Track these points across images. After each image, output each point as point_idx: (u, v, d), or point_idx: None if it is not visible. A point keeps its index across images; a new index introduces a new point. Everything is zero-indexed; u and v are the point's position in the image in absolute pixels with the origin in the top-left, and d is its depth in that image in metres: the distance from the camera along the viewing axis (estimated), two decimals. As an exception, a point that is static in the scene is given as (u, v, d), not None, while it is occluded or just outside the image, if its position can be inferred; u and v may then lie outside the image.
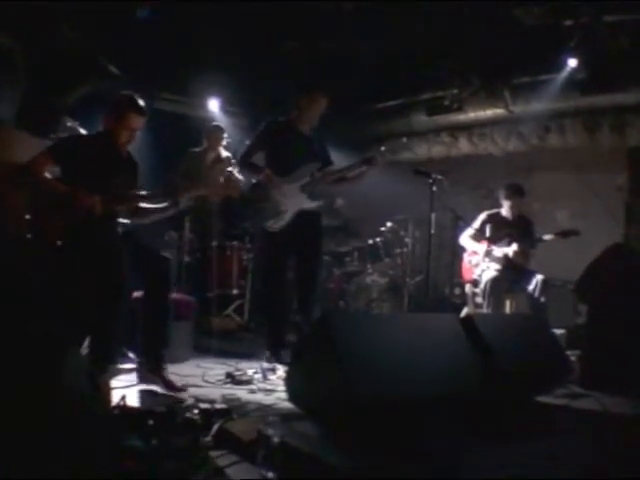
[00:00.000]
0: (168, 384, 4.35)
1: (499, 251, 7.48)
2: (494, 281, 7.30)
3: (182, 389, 4.29)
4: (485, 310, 7.26)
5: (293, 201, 5.77)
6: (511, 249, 7.31)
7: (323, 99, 5.93)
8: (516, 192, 7.68)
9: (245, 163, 6.01)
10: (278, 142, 5.90)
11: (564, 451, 3.08)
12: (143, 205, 4.76)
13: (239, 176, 7.13)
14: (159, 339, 4.54)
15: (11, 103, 7.62)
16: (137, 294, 4.88)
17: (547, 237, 7.32)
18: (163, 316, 4.56)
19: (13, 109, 7.63)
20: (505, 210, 7.70)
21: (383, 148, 5.84)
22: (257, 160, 6.01)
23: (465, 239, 7.89)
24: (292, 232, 5.77)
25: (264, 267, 6.14)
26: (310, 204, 5.85)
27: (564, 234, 7.20)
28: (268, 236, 5.85)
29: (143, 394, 4.08)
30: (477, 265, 7.68)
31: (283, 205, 5.74)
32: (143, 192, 4.67)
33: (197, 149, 8.54)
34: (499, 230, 7.65)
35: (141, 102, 4.64)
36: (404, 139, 6.15)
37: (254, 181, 5.95)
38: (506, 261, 7.48)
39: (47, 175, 4.41)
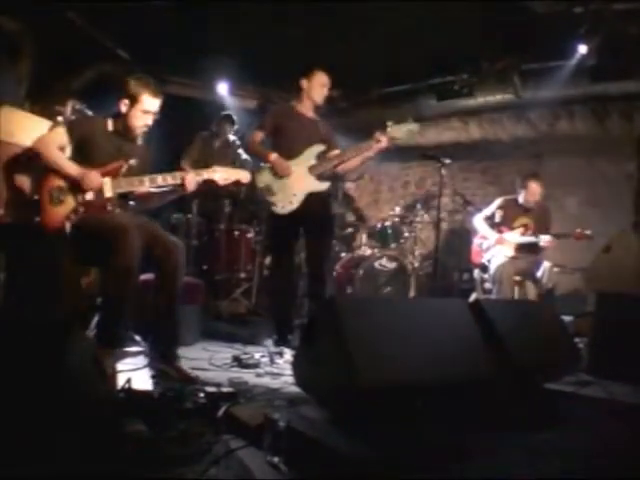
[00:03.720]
0: (180, 373, 4.31)
1: (523, 239, 7.49)
2: (503, 267, 7.31)
3: (195, 379, 4.23)
4: (494, 296, 7.27)
5: (302, 184, 5.78)
6: (542, 239, 7.31)
7: (322, 75, 5.97)
8: (532, 179, 7.69)
9: (252, 147, 6.07)
10: (283, 126, 5.95)
11: (571, 440, 3.07)
12: (151, 189, 4.74)
13: (247, 157, 7.18)
14: (170, 325, 4.50)
15: (19, 86, 7.62)
16: (145, 277, 4.88)
17: (561, 235, 7.34)
18: (174, 302, 4.51)
19: (21, 91, 7.63)
20: (521, 197, 7.70)
21: (390, 123, 5.82)
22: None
23: (479, 221, 7.90)
24: (302, 215, 5.79)
25: (272, 250, 6.15)
26: (319, 186, 5.85)
27: (578, 237, 7.22)
28: (277, 219, 5.86)
29: (149, 378, 4.08)
30: (487, 249, 7.70)
31: (292, 188, 5.76)
32: (153, 176, 4.64)
33: (205, 132, 8.57)
34: (513, 217, 7.67)
35: (154, 83, 4.64)
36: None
37: (262, 165, 5.94)
38: (516, 248, 7.49)
39: (59, 151, 4.40)
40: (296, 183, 5.77)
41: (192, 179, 4.59)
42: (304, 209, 5.78)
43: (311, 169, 5.82)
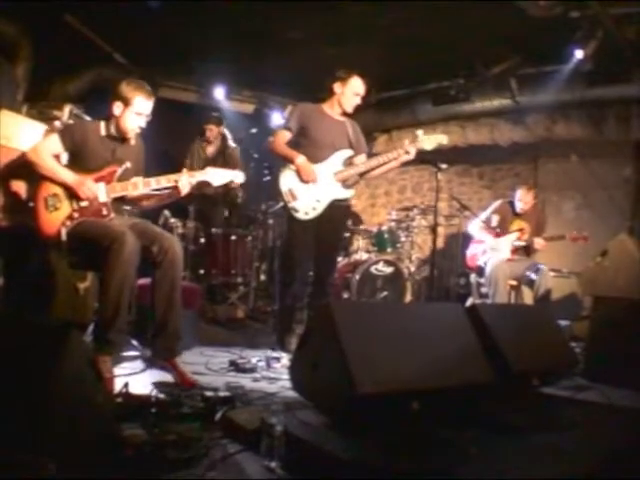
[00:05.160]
0: (181, 377, 4.30)
1: (514, 242, 7.57)
2: (498, 268, 7.35)
3: (194, 383, 4.22)
4: (489, 297, 7.30)
5: (326, 190, 5.69)
6: (537, 242, 7.41)
7: (357, 82, 5.79)
8: (521, 187, 7.85)
9: (278, 147, 5.79)
10: (309, 127, 5.79)
11: (568, 444, 3.07)
12: (147, 192, 4.72)
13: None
14: (171, 326, 4.45)
15: (16, 89, 7.62)
16: (143, 281, 4.87)
17: (557, 237, 7.40)
18: (175, 297, 4.46)
19: (19, 95, 7.63)
20: (516, 201, 7.78)
21: (420, 133, 5.78)
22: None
23: (474, 227, 7.97)
24: (321, 221, 5.72)
25: (286, 254, 6.03)
26: (343, 193, 5.78)
27: (574, 238, 7.30)
28: (297, 224, 5.73)
29: (148, 382, 4.07)
30: (484, 253, 7.74)
31: (316, 194, 5.66)
32: (146, 179, 4.61)
33: (195, 143, 8.60)
34: (510, 220, 7.74)
35: (147, 86, 4.59)
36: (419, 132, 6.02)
37: (286, 167, 5.75)
38: (511, 251, 7.54)
39: (53, 160, 4.39)
40: (321, 189, 5.67)
41: (185, 181, 4.56)
42: (325, 215, 5.71)
43: (337, 175, 5.73)
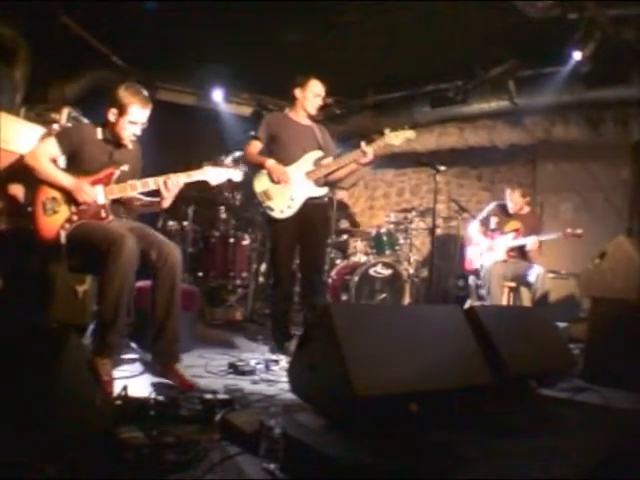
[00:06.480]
0: (180, 380, 4.29)
1: (512, 242, 7.58)
2: (492, 268, 7.37)
3: (193, 386, 4.20)
4: (486, 299, 7.31)
5: (300, 189, 5.77)
6: (529, 241, 7.40)
7: (316, 84, 5.94)
8: (508, 188, 7.90)
9: (250, 157, 5.96)
10: (278, 135, 5.92)
11: (566, 445, 3.07)
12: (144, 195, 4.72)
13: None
14: (170, 326, 4.42)
15: (15, 92, 7.62)
16: (142, 283, 4.87)
17: (551, 236, 7.40)
18: (174, 302, 4.43)
19: (17, 98, 7.63)
20: (507, 202, 7.82)
21: (387, 130, 5.81)
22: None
23: (472, 230, 7.99)
24: (300, 220, 5.79)
25: (271, 256, 6.12)
26: (317, 191, 5.86)
27: (568, 236, 7.29)
28: (276, 224, 5.83)
29: (146, 385, 4.07)
30: (481, 255, 7.75)
31: (290, 193, 5.74)
32: (144, 180, 4.59)
33: None
34: (505, 221, 7.75)
35: (145, 93, 4.56)
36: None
37: (264, 172, 5.86)
38: (507, 251, 7.55)
39: (51, 164, 4.38)
40: (294, 188, 5.75)
41: (181, 181, 4.55)
42: (302, 214, 5.78)
43: (309, 174, 5.82)
